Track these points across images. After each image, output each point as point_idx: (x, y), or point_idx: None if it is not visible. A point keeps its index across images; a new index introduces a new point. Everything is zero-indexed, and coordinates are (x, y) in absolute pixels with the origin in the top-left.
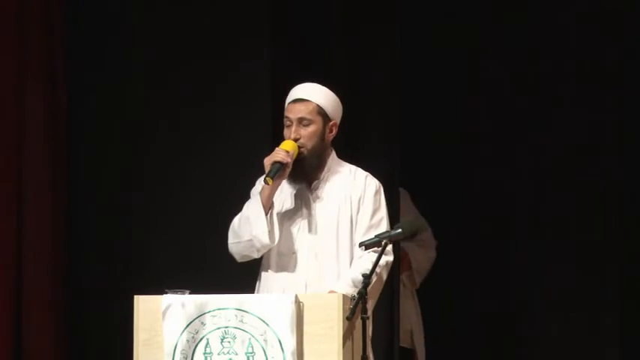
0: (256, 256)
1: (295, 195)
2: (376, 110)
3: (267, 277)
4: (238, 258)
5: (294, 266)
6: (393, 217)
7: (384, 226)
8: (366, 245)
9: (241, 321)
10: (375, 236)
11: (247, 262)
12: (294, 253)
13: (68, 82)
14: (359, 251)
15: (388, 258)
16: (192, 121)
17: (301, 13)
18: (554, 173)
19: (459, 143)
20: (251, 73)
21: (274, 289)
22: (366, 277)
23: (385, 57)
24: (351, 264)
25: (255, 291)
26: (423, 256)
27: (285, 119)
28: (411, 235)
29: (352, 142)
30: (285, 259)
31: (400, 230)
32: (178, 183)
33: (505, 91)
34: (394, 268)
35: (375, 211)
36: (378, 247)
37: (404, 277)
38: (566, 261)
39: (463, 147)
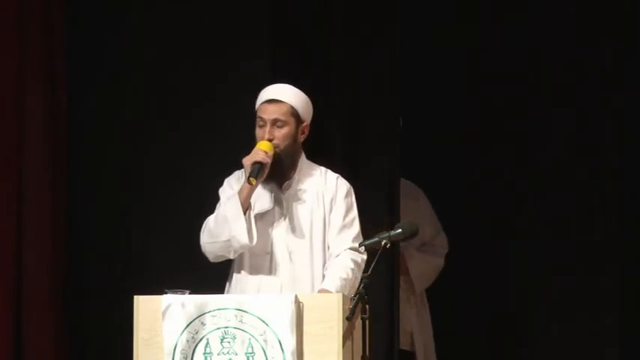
0: (232, 256)
1: (267, 196)
2: (376, 110)
3: (239, 279)
4: (212, 258)
5: (269, 267)
6: (394, 217)
7: (356, 226)
8: (366, 246)
9: (241, 321)
10: (375, 236)
11: None
12: (268, 253)
13: (68, 82)
14: (335, 250)
15: (363, 256)
16: (192, 121)
17: (301, 13)
18: (554, 173)
19: (459, 143)
20: (251, 73)
21: (248, 290)
22: (366, 277)
23: (385, 57)
24: (324, 265)
25: (225, 292)
26: (423, 263)
27: (258, 119)
28: (410, 236)
29: (352, 141)
30: (259, 259)
31: (400, 230)
32: (178, 183)
33: (505, 91)
34: (394, 270)
35: (347, 212)
36: (378, 248)
37: (401, 280)
38: (566, 261)
39: (463, 147)
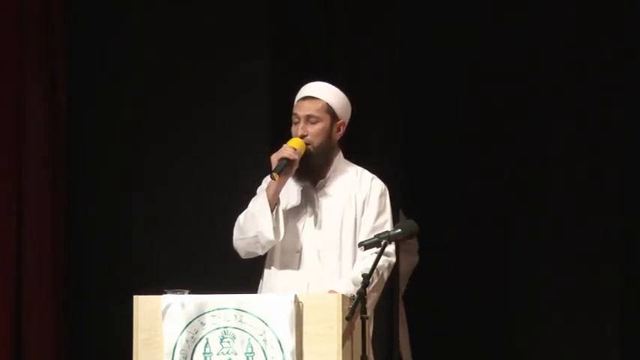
0: (261, 252)
1: (301, 193)
2: (376, 110)
3: (270, 275)
4: (243, 254)
5: (298, 264)
6: (393, 218)
7: (387, 229)
8: (366, 245)
9: (241, 321)
10: (375, 236)
11: (247, 261)
12: (298, 251)
13: (68, 82)
14: (362, 252)
15: (391, 259)
16: (192, 121)
17: (301, 13)
18: (554, 173)
19: (459, 143)
20: (251, 73)
21: (277, 286)
22: (366, 277)
23: (385, 57)
24: (353, 265)
25: (258, 289)
26: (406, 262)
27: (293, 116)
28: (410, 235)
29: (352, 141)
30: (288, 256)
31: (400, 230)
32: (178, 183)
33: (505, 91)
34: (394, 271)
35: (379, 214)
36: (378, 247)
37: None
38: (566, 261)
39: (463, 147)
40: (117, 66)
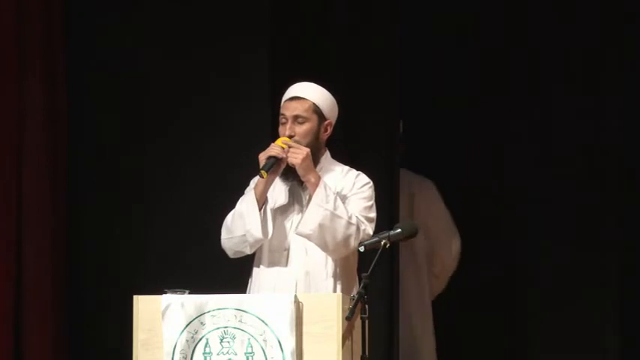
0: (249, 251)
1: (288, 191)
2: (376, 110)
3: (258, 273)
4: (231, 254)
5: (286, 262)
6: (392, 217)
7: (371, 201)
8: (366, 245)
9: (240, 321)
10: (375, 236)
11: (247, 261)
12: (286, 249)
13: (68, 82)
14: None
15: (367, 228)
16: (191, 119)
17: (301, 11)
18: (555, 172)
19: (459, 143)
20: (251, 71)
21: (265, 285)
22: (366, 277)
23: (385, 55)
24: (339, 262)
25: (248, 288)
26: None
27: (280, 117)
28: (410, 236)
29: (352, 141)
30: (276, 255)
31: (400, 230)
32: (178, 183)
33: (505, 91)
34: (393, 270)
35: (363, 195)
36: (378, 248)
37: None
38: (566, 260)
39: (463, 147)
40: (117, 66)
